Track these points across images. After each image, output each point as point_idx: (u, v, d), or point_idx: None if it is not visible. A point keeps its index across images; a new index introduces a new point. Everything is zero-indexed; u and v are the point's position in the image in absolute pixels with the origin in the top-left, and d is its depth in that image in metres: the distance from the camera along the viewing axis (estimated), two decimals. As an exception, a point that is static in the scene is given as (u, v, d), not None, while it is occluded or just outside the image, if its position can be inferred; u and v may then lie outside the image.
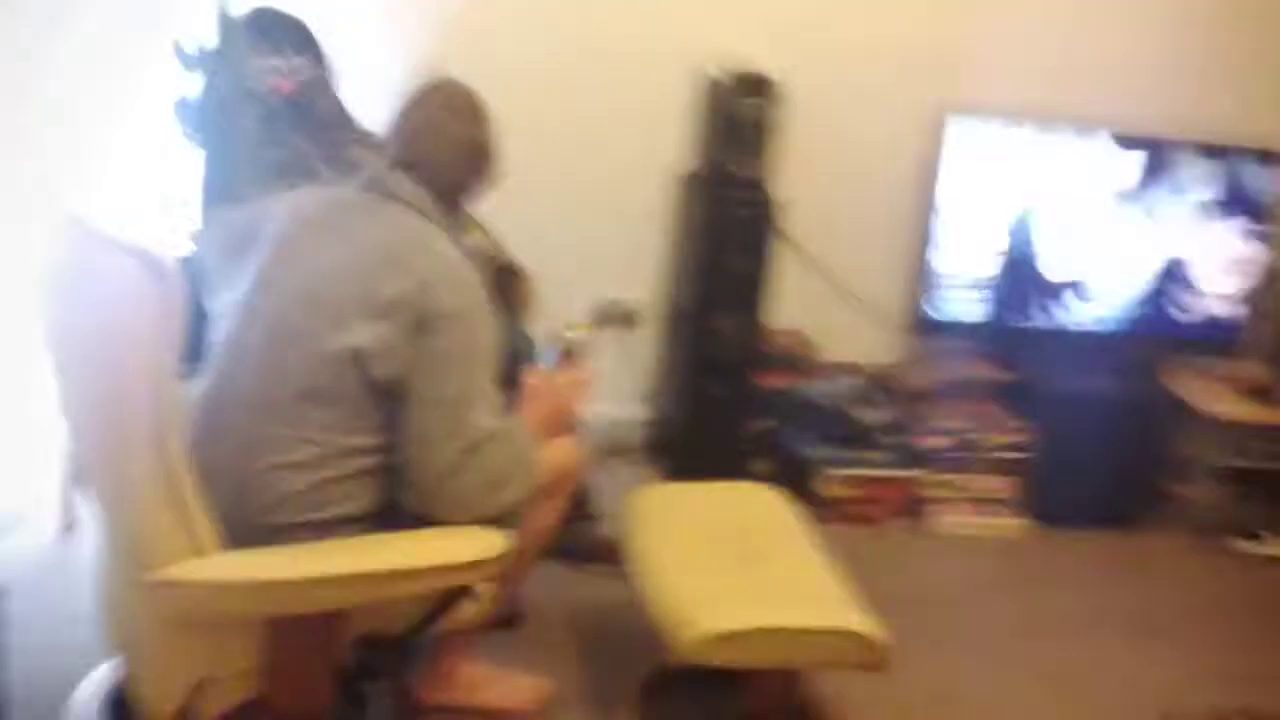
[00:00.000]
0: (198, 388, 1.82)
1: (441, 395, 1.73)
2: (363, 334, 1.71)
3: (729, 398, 3.25)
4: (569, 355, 2.10)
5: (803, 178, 3.28)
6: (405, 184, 1.87)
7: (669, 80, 3.27)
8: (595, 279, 3.39)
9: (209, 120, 2.49)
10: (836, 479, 3.25)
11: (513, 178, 3.23)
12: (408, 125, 1.93)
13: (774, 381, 3.35)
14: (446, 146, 1.93)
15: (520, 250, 2.84)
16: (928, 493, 3.35)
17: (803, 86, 3.16)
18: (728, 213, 3.13)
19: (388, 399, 1.74)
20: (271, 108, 2.65)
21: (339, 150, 2.72)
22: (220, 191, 2.49)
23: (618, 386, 3.46)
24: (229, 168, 2.50)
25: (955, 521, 3.34)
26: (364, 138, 2.82)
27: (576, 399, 2.11)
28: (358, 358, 1.71)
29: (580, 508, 2.81)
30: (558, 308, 3.21)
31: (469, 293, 1.78)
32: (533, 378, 2.06)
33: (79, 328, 1.55)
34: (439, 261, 1.78)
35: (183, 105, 2.53)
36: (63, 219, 1.60)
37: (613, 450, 3.38)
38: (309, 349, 1.73)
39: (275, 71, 2.64)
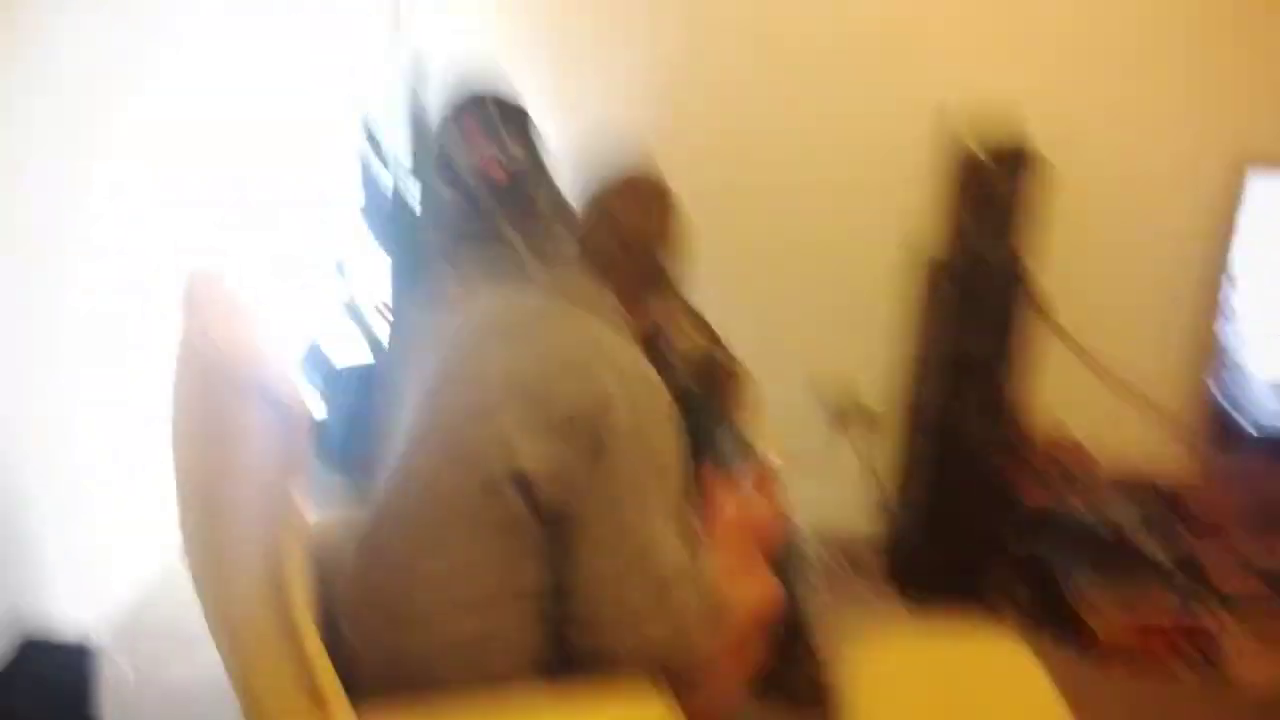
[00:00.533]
0: (364, 510, 1.66)
1: (621, 529, 1.50)
2: (533, 455, 1.50)
3: (980, 513, 2.84)
4: (767, 473, 1.80)
5: (1068, 258, 2.85)
6: (586, 284, 1.68)
7: (911, 147, 2.91)
8: (828, 378, 3.07)
9: (398, 218, 2.37)
10: (1113, 618, 2.76)
11: (727, 257, 2.93)
12: (588, 219, 1.74)
13: (1036, 496, 2.91)
14: (629, 242, 1.72)
15: (737, 339, 2.58)
16: (1227, 639, 2.79)
17: (1069, 151, 2.75)
18: (980, 299, 2.75)
19: (561, 531, 1.51)
20: (480, 199, 2.52)
21: (555, 244, 2.57)
22: (409, 293, 2.36)
23: (849, 495, 3.11)
24: (419, 268, 2.38)
25: (1264, 674, 2.77)
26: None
27: (776, 528, 1.82)
28: (526, 483, 1.50)
29: (796, 640, 2.47)
30: (778, 406, 2.94)
31: (654, 410, 1.56)
32: (725, 498, 1.78)
33: (197, 462, 1.40)
34: (622, 374, 1.56)
35: (371, 204, 2.41)
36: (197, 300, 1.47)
37: (842, 567, 3.03)
38: (474, 472, 1.53)
39: (488, 160, 2.51)
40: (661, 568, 1.51)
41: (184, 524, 1.43)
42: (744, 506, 1.78)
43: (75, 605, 2.21)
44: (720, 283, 2.91)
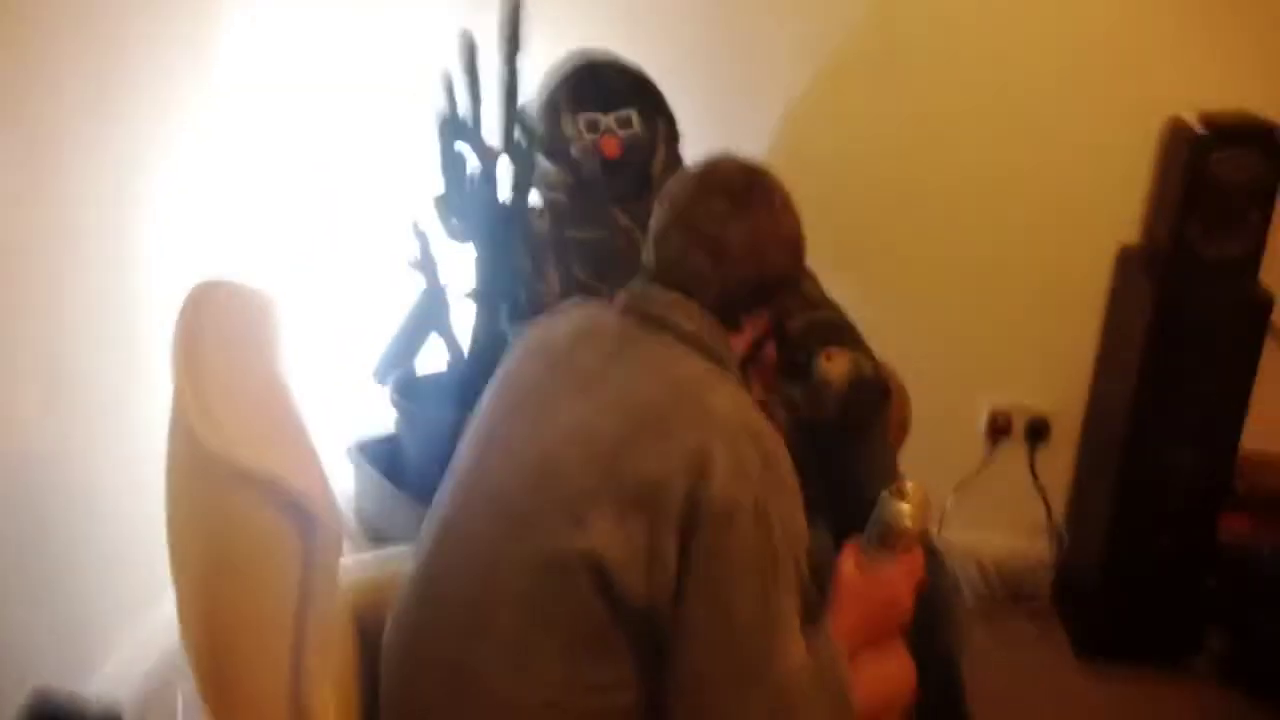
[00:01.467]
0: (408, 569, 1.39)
1: (727, 623, 1.21)
2: (605, 532, 1.19)
3: (1171, 548, 2.41)
4: (896, 533, 1.41)
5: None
6: (677, 305, 1.35)
7: (1114, 126, 2.44)
8: (993, 385, 2.64)
9: (486, 205, 2.01)
10: (1326, 678, 2.33)
11: (888, 254, 2.60)
12: (677, 222, 1.39)
13: (1239, 529, 2.46)
14: (726, 249, 1.37)
15: (894, 352, 2.19)
16: None
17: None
18: (1193, 304, 2.29)
19: (646, 626, 1.21)
20: (586, 177, 2.16)
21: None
22: (497, 294, 2.03)
23: (1017, 513, 2.69)
24: (509, 263, 2.03)
25: None
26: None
27: (907, 597, 1.42)
28: (597, 566, 1.19)
29: (951, 695, 2.11)
30: (940, 426, 2.55)
31: (763, 470, 1.24)
32: (847, 568, 1.40)
33: (195, 560, 1.11)
34: (723, 425, 1.22)
35: (453, 191, 2.03)
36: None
37: (1006, 595, 2.63)
38: (533, 543, 1.24)
39: (595, 129, 2.14)
40: (782, 671, 1.21)
41: (184, 626, 1.16)
42: (869, 572, 1.40)
43: (103, 672, 1.98)
44: (873, 280, 2.57)
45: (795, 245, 1.44)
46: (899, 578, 1.40)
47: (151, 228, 2.07)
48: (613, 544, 1.20)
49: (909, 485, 1.38)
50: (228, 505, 1.03)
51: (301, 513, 1.02)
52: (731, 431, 1.23)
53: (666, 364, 1.32)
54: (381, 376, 2.27)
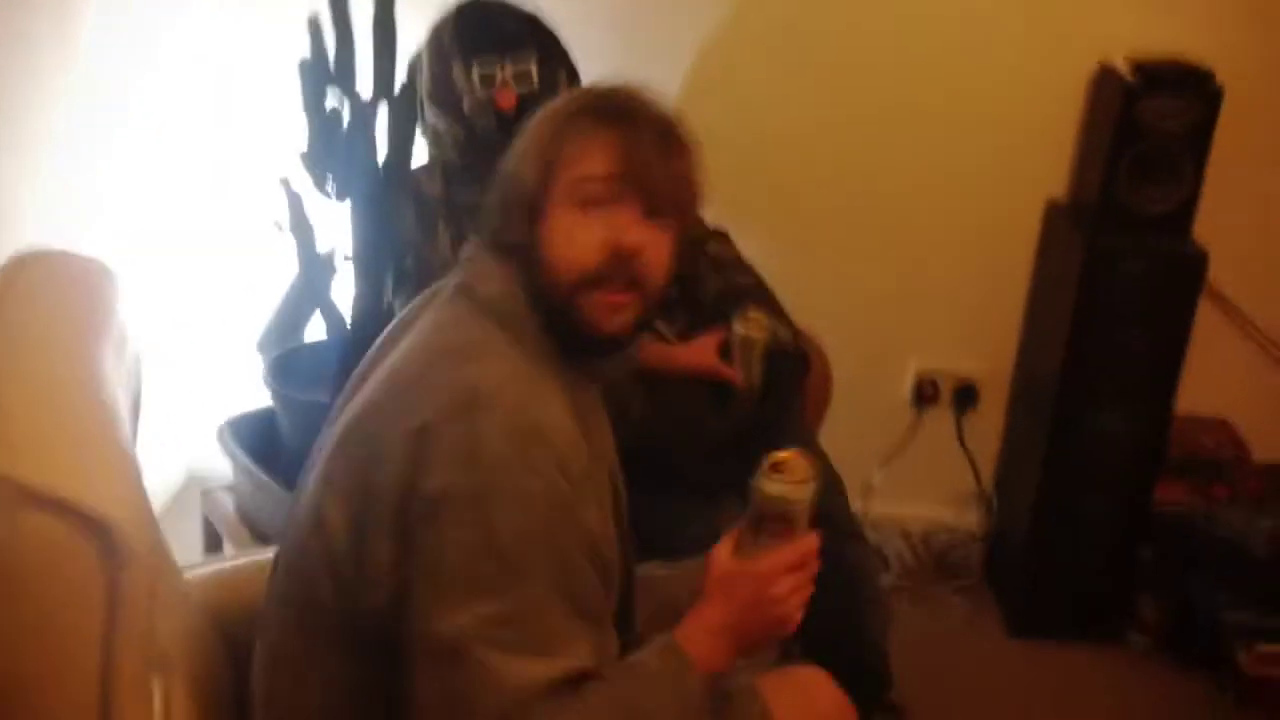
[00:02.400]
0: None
1: (435, 641, 1.01)
2: (334, 530, 1.09)
3: (1100, 513, 2.32)
4: (773, 515, 1.17)
5: (1238, 211, 2.27)
6: (476, 264, 1.21)
7: (1039, 72, 2.31)
8: (918, 349, 2.52)
9: (360, 161, 1.81)
10: (1261, 649, 2.24)
11: (804, 212, 2.46)
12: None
13: (1176, 498, 2.37)
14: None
15: (814, 316, 2.05)
16: None
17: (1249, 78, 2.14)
18: (1124, 261, 2.18)
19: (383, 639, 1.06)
20: (480, 132, 1.98)
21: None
22: (385, 263, 1.84)
23: (946, 483, 2.57)
24: (395, 227, 1.85)
25: None
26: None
27: (789, 589, 1.17)
28: (329, 559, 1.08)
29: (873, 684, 1.96)
30: (864, 392, 2.42)
31: (508, 454, 1.03)
32: (720, 556, 1.18)
33: None
34: (461, 403, 1.05)
35: (320, 146, 1.82)
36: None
37: (936, 570, 2.52)
38: (298, 557, 1.14)
39: (490, 84, 1.96)
40: (516, 704, 0.99)
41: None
42: (741, 556, 1.18)
43: None
44: (788, 239, 2.43)
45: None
46: (778, 567, 1.15)
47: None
48: (335, 530, 1.07)
49: (785, 456, 1.17)
50: (17, 525, 0.86)
51: (103, 535, 0.85)
52: (469, 407, 1.04)
53: (434, 332, 1.16)
54: (264, 349, 2.08)
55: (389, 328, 1.26)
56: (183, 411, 2.40)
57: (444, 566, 1.01)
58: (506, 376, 1.08)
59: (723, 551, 1.17)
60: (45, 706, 0.88)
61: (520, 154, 1.19)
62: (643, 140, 1.15)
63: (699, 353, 1.87)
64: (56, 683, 0.87)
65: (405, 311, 1.26)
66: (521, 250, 1.16)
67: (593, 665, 1.05)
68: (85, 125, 2.08)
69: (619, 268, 1.14)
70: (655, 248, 1.16)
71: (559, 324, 1.15)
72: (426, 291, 1.26)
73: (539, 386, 1.10)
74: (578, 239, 1.14)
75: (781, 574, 1.15)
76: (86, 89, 2.08)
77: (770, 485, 1.15)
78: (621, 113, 1.17)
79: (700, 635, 1.14)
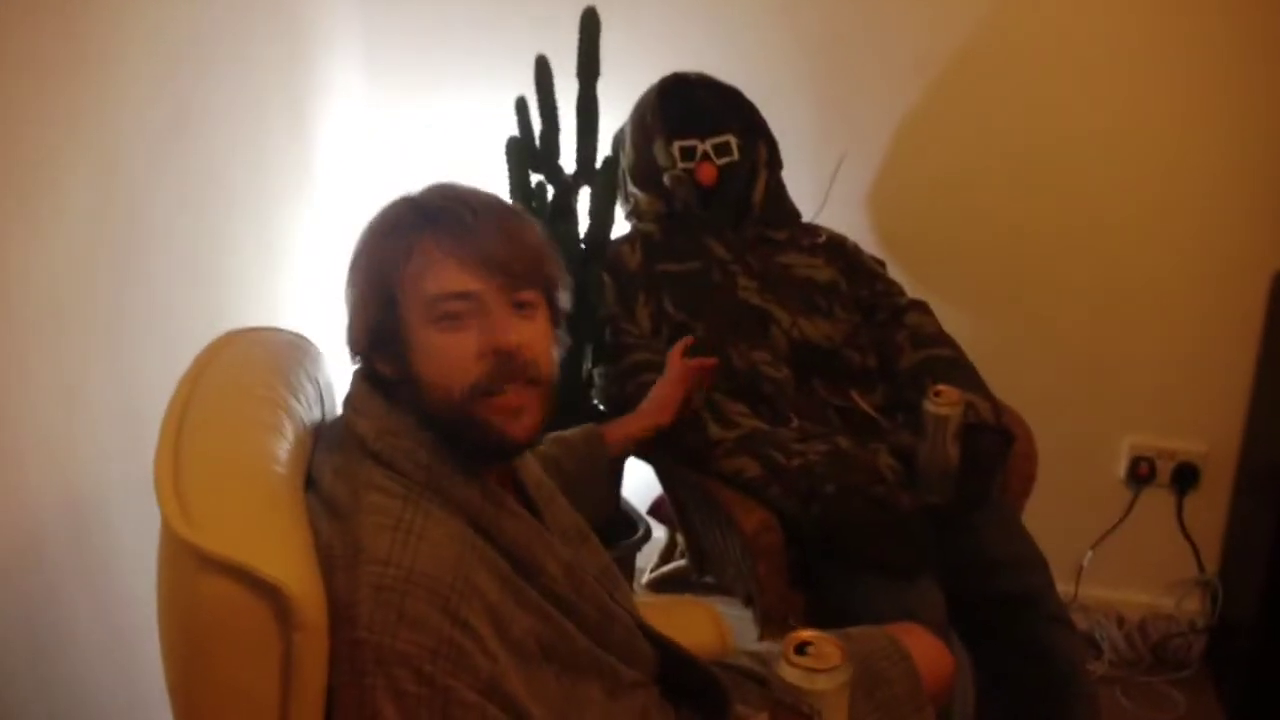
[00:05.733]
0: None
1: None
2: None
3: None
4: (789, 704, 1.04)
5: None
6: (366, 410, 1.14)
7: (1262, 138, 2.18)
8: (1134, 426, 2.38)
9: (562, 239, 1.84)
10: None
11: (1014, 282, 2.36)
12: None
13: None
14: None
15: (1021, 391, 1.99)
16: None
17: None
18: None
19: None
20: (680, 206, 2.01)
21: (771, 258, 2.03)
22: (582, 338, 1.88)
23: (1164, 568, 2.42)
24: (598, 302, 1.89)
25: None
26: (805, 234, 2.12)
27: None
28: None
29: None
30: (1075, 471, 2.31)
31: (383, 620, 0.98)
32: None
33: (173, 646, 0.99)
34: (344, 553, 1.02)
35: None
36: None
37: (1152, 660, 2.37)
38: None
39: (690, 156, 1.99)
40: None
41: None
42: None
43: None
44: (981, 308, 2.36)
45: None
46: None
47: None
48: None
49: (811, 637, 1.05)
50: (198, 589, 0.92)
51: (277, 599, 0.90)
52: (351, 563, 1.01)
53: (331, 479, 1.10)
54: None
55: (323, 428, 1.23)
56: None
57: None
58: (383, 526, 1.03)
59: None
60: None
61: (358, 283, 1.14)
62: (480, 232, 1.10)
63: (643, 416, 1.71)
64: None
65: (325, 428, 1.23)
66: (402, 381, 1.11)
67: None
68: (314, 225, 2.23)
69: (507, 369, 1.09)
70: (534, 339, 1.12)
71: (463, 439, 1.10)
72: (332, 419, 1.23)
73: (425, 523, 1.05)
74: (453, 356, 1.09)
75: None
76: (317, 189, 2.24)
77: (787, 670, 1.03)
78: (444, 213, 1.11)
79: None
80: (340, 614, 0.98)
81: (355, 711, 0.97)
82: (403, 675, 0.96)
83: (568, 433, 1.53)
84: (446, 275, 1.08)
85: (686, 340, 1.82)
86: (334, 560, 1.01)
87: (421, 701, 0.97)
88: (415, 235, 1.10)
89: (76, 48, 1.45)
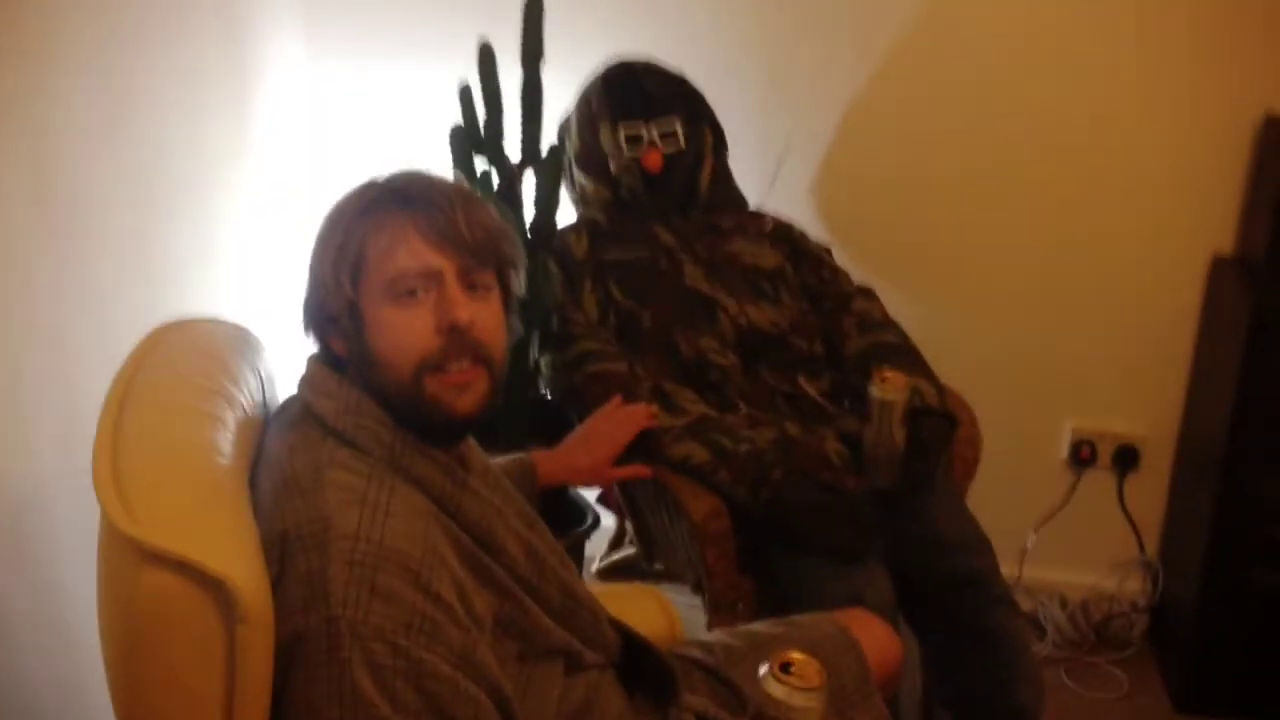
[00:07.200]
0: None
1: None
2: None
3: (1277, 585, 2.18)
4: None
5: None
6: (325, 389, 1.16)
7: (1203, 123, 2.22)
8: (1076, 409, 2.42)
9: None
10: None
11: (956, 267, 2.39)
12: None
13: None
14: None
15: (965, 375, 2.01)
16: None
17: None
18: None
19: None
20: (626, 193, 2.01)
21: (718, 245, 2.04)
22: (528, 326, 1.87)
23: (1106, 549, 2.46)
24: (544, 290, 1.88)
25: None
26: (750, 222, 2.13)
27: None
28: None
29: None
30: (1017, 454, 2.35)
31: (355, 596, 1.00)
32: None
33: (112, 640, 0.97)
34: (302, 534, 1.04)
35: None
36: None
37: (1095, 640, 2.41)
38: None
39: (636, 143, 1.99)
40: None
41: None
42: None
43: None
44: (925, 293, 2.38)
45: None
46: None
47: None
48: None
49: (797, 658, 1.10)
50: (139, 583, 0.90)
51: (221, 592, 0.89)
52: (320, 541, 1.03)
53: (287, 457, 1.13)
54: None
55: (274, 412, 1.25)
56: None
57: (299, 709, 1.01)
58: (349, 501, 1.05)
59: None
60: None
61: (322, 260, 1.16)
62: (442, 211, 1.13)
63: (578, 472, 1.70)
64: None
65: (276, 411, 1.24)
66: (354, 358, 1.15)
67: None
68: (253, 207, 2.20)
69: (458, 345, 1.11)
70: (486, 318, 1.14)
71: (409, 417, 1.13)
72: (285, 400, 1.24)
73: (390, 499, 1.07)
74: (408, 331, 1.11)
75: None
76: (255, 169, 2.20)
77: (773, 685, 1.08)
78: (412, 196, 1.14)
79: None
80: (314, 592, 1.00)
81: (333, 686, 0.98)
82: (378, 649, 0.99)
83: (500, 459, 1.52)
84: (416, 253, 1.11)
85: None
86: (303, 539, 1.03)
87: (397, 673, 0.99)
88: (390, 215, 1.13)
89: (9, 33, 1.42)
